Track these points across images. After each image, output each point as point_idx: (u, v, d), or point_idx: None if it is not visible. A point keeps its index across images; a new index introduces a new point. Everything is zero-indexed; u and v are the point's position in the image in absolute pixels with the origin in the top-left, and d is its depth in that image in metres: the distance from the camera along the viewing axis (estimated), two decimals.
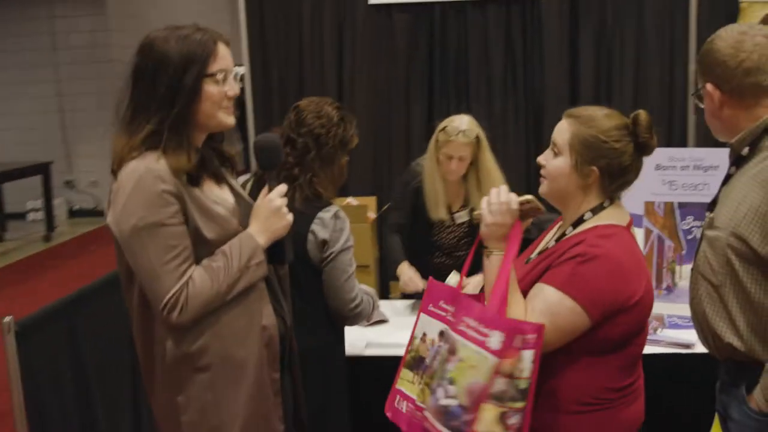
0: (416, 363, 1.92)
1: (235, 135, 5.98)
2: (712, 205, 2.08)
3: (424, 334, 1.93)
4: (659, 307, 2.90)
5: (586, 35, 5.34)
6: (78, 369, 2.97)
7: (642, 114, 1.98)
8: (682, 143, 5.40)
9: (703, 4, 5.22)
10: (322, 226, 2.46)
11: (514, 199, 1.91)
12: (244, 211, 1.99)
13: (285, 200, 1.97)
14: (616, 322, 1.87)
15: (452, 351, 1.79)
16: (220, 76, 1.86)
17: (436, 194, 3.40)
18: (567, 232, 2.00)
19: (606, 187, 1.97)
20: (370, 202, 5.24)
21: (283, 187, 1.98)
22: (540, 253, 2.05)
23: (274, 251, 1.97)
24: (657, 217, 2.93)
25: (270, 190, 1.97)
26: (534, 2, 5.31)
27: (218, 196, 1.95)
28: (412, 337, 1.98)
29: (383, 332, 2.98)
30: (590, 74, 5.38)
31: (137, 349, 2.00)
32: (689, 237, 2.87)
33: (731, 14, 5.22)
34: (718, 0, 5.24)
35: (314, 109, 2.59)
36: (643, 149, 1.98)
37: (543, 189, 2.04)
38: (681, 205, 2.89)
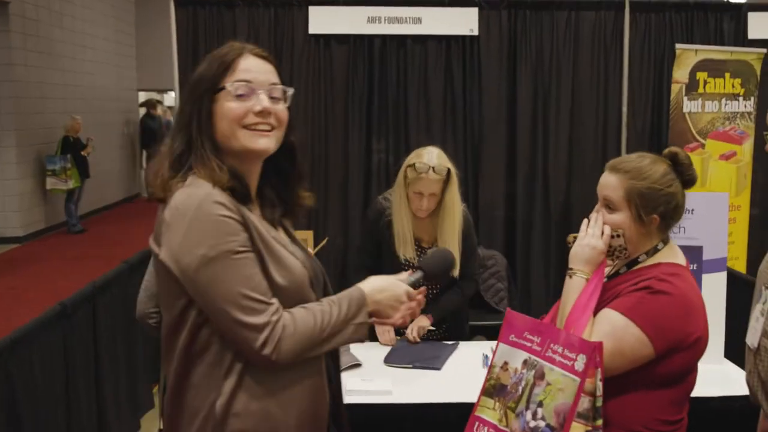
0: (497, 390, 1.99)
1: None
2: None
3: (506, 363, 1.99)
4: None
5: (524, 72, 5.41)
6: (11, 414, 2.73)
7: (680, 153, 2.02)
8: None
9: (634, 48, 5.40)
10: None
11: (608, 229, 1.98)
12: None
13: (411, 308, 1.77)
14: (675, 358, 1.90)
15: (540, 376, 1.88)
16: (235, 88, 1.63)
17: (405, 232, 3.27)
18: (621, 271, 2.04)
19: (665, 229, 2.02)
20: (308, 236, 5.07)
21: (420, 299, 1.80)
22: None
23: None
24: None
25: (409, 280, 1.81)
26: (473, 39, 5.35)
27: (280, 238, 1.72)
28: (491, 366, 2.04)
29: (359, 378, 2.81)
30: (528, 109, 5.45)
31: (167, 397, 1.73)
32: None
33: (660, 58, 5.43)
34: (649, 44, 5.43)
35: None
36: (689, 184, 2.03)
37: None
38: None
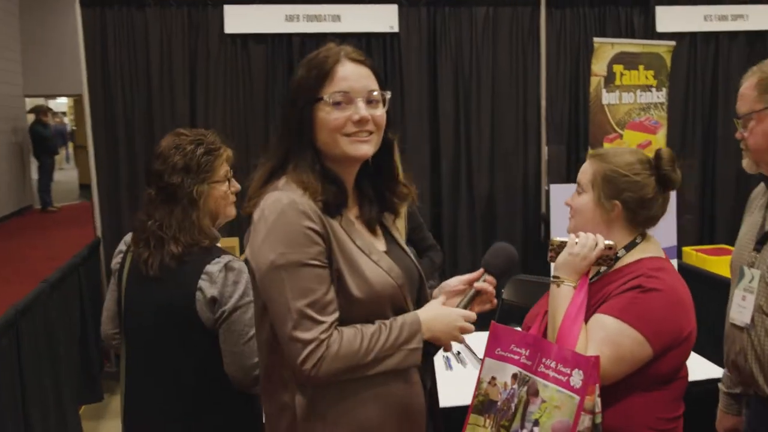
0: (486, 407, 1.88)
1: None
2: (759, 245, 2.08)
3: (493, 378, 1.89)
4: None
5: (444, 68, 5.43)
6: None
7: (664, 149, 1.97)
8: (537, 175, 5.60)
9: (551, 43, 5.50)
10: (210, 281, 2.10)
11: (602, 239, 1.89)
12: (394, 262, 1.72)
13: (468, 317, 1.72)
14: (670, 355, 1.83)
15: (534, 393, 1.79)
16: (333, 98, 1.62)
17: None
18: (601, 271, 1.95)
19: (631, 221, 1.95)
20: (233, 243, 4.90)
21: (473, 315, 1.74)
22: None
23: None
24: None
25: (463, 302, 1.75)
26: (393, 36, 5.31)
27: (369, 245, 1.70)
28: (479, 382, 1.92)
29: None
30: (450, 105, 5.47)
31: (261, 389, 1.79)
32: None
33: (576, 52, 5.56)
34: (565, 38, 5.57)
35: (156, 150, 2.24)
36: (666, 182, 1.94)
37: (570, 226, 2.03)
38: None
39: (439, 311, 1.72)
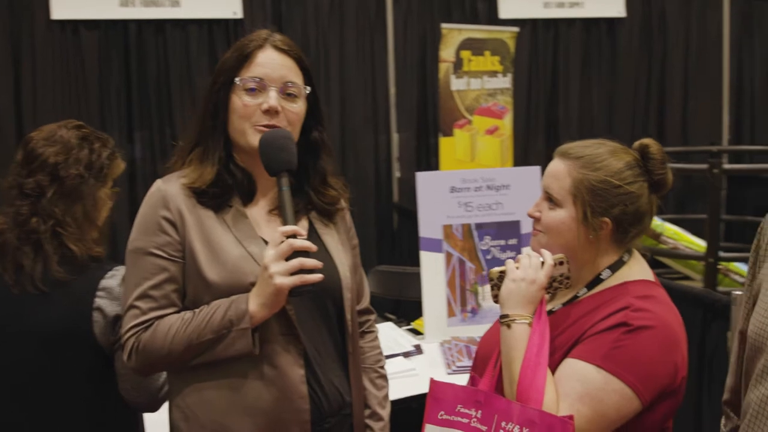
0: None
1: None
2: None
3: None
4: (466, 330, 2.86)
5: None
6: None
7: (652, 145, 1.61)
8: (387, 162, 5.57)
9: (398, 28, 5.48)
10: (110, 298, 1.81)
11: (549, 255, 1.59)
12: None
13: (281, 251, 1.46)
14: (661, 406, 1.52)
15: None
16: (245, 84, 1.57)
17: None
18: (580, 294, 1.62)
19: (620, 237, 1.61)
20: None
21: (285, 230, 1.48)
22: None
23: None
24: (456, 240, 2.89)
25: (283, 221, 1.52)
26: (237, 23, 5.09)
27: (251, 237, 1.59)
28: None
29: None
30: None
31: None
32: (488, 257, 2.87)
33: (423, 37, 5.56)
34: (413, 24, 5.56)
35: (45, 136, 1.90)
36: (659, 187, 1.62)
37: (539, 245, 1.66)
38: (478, 226, 2.87)
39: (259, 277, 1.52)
